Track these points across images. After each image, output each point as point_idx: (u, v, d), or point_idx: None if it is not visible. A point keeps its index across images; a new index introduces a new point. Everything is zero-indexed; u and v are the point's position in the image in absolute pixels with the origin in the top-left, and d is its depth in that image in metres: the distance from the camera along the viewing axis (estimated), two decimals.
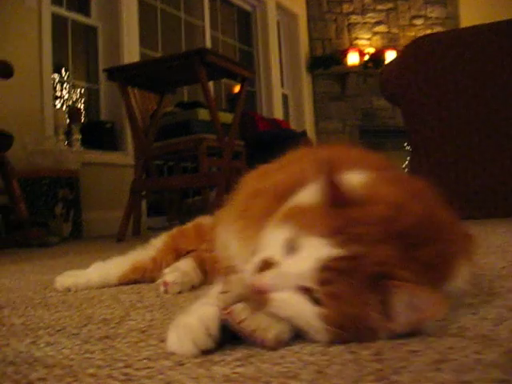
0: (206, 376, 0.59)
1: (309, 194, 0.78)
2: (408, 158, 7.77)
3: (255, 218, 0.90)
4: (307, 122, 7.63)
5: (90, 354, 0.70)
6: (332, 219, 0.70)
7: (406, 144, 7.76)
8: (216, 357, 0.66)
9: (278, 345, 0.68)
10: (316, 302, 0.67)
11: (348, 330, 0.66)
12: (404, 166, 7.66)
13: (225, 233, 1.07)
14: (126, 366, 0.63)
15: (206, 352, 0.67)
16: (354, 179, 0.78)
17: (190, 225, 1.40)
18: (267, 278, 0.69)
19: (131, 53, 4.81)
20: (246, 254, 0.86)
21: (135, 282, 1.34)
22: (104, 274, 1.34)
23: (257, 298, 0.69)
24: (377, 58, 7.75)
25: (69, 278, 1.33)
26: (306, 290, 0.67)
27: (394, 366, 0.59)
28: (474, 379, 0.54)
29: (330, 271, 0.66)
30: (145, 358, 0.66)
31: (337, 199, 0.72)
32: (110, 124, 4.69)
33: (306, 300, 0.67)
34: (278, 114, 7.06)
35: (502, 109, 3.45)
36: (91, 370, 0.63)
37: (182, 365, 0.63)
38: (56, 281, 1.34)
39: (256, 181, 1.08)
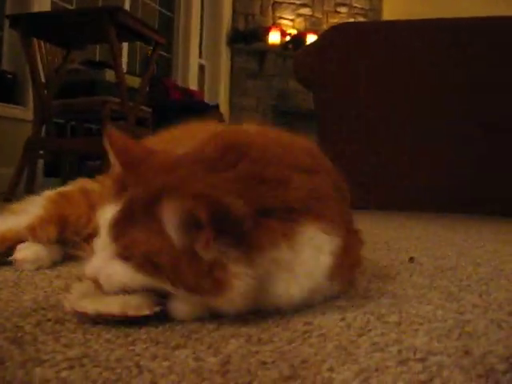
0: (21, 381, 0.51)
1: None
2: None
3: None
4: (222, 96, 7.52)
5: None
6: (121, 179, 0.74)
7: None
8: (45, 354, 0.58)
9: (131, 313, 0.68)
10: (128, 258, 0.68)
11: (166, 267, 0.65)
12: None
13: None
14: None
15: None
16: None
17: (73, 188, 1.21)
18: (89, 264, 0.72)
19: (42, 2, 4.53)
20: None
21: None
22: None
23: (96, 285, 0.72)
24: (298, 39, 7.72)
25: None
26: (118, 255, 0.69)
27: (238, 380, 0.53)
28: None
29: (116, 226, 0.69)
30: None
31: (127, 161, 0.75)
32: (11, 75, 4.42)
33: (121, 262, 0.69)
34: (193, 84, 6.92)
35: (410, 105, 3.51)
36: None
37: (2, 363, 0.55)
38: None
39: None
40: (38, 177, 3.99)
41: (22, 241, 1.11)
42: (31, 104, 4.17)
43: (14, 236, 1.11)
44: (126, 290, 0.69)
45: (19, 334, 0.64)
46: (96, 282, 0.71)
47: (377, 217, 2.88)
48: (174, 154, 0.77)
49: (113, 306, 0.68)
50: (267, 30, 7.74)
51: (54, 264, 1.11)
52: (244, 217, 0.64)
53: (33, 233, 1.10)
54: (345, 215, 0.84)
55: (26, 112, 4.34)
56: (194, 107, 5.02)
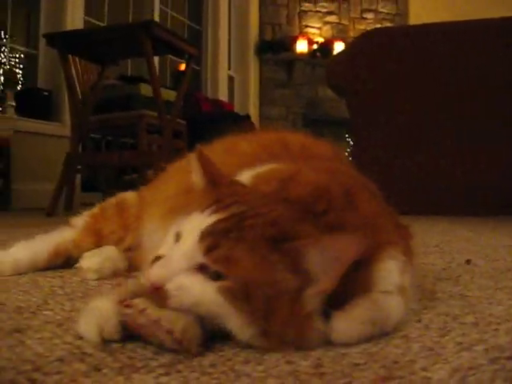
0: None
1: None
2: (348, 150, 7.86)
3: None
4: (251, 106, 7.56)
5: None
6: (210, 194, 0.67)
7: (347, 136, 7.82)
8: (138, 361, 0.58)
9: (187, 339, 0.59)
10: (215, 276, 0.60)
11: (259, 302, 0.58)
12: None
13: (154, 228, 1.01)
14: (34, 370, 0.55)
15: (110, 341, 0.63)
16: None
17: (112, 202, 1.25)
18: (155, 269, 0.62)
19: (75, 20, 4.61)
20: None
21: (63, 266, 1.19)
22: (32, 256, 1.15)
23: (156, 295, 0.61)
24: (325, 47, 7.73)
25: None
26: (201, 268, 0.60)
27: (335, 382, 0.53)
28: None
29: (213, 235, 0.60)
30: (57, 360, 0.58)
31: (213, 179, 0.69)
32: (47, 92, 4.50)
33: (203, 278, 0.60)
34: (223, 95, 6.97)
35: (447, 109, 3.48)
36: None
37: (99, 370, 0.56)
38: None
39: (186, 173, 1.02)
40: (75, 192, 4.04)
41: (72, 253, 1.19)
42: (67, 120, 4.25)
43: (65, 249, 1.19)
44: (191, 311, 0.60)
45: (106, 343, 0.65)
46: (160, 292, 0.61)
47: (419, 222, 2.85)
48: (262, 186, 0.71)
49: (175, 325, 0.59)
50: (294, 39, 7.76)
51: (115, 274, 1.13)
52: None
53: (76, 246, 1.19)
54: (394, 220, 0.82)
55: (62, 128, 4.41)
56: (225, 118, 5.05)
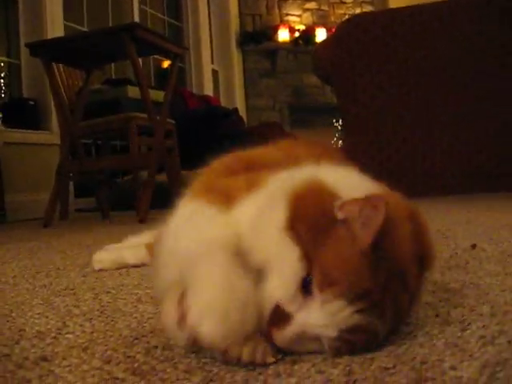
0: None
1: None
2: (337, 135, 7.84)
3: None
4: (238, 99, 7.54)
5: None
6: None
7: (334, 121, 7.82)
8: (171, 383, 0.59)
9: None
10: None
11: None
12: (333, 142, 7.72)
13: None
14: None
15: None
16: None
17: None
18: (288, 338, 0.61)
19: (55, 26, 4.57)
20: None
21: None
22: (139, 252, 1.35)
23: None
24: (307, 34, 7.73)
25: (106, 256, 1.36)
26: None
27: None
28: None
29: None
30: None
31: None
32: (33, 101, 4.47)
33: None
34: (208, 90, 6.95)
35: (435, 90, 3.49)
36: None
37: None
38: (93, 260, 1.37)
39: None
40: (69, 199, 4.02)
41: None
42: (55, 128, 4.23)
43: None
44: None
45: (135, 365, 0.65)
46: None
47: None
48: None
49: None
50: (275, 29, 7.75)
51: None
52: None
53: None
54: None
55: (50, 136, 4.39)
56: (214, 114, 5.04)
